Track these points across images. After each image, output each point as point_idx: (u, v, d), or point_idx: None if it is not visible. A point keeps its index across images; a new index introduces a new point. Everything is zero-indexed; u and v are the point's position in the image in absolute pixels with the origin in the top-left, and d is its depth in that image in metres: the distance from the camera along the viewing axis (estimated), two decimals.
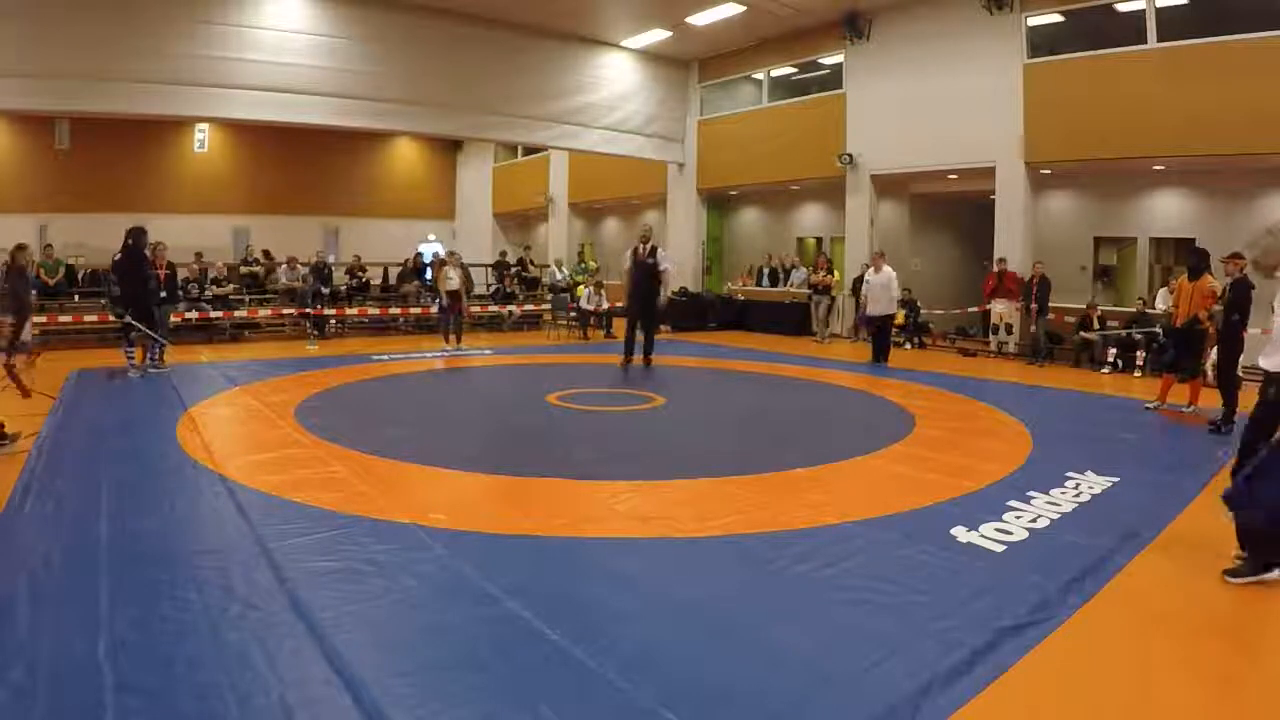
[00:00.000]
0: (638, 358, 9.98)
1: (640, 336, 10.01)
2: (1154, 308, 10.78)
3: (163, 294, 9.57)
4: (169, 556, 3.51)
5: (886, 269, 11.27)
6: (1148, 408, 7.67)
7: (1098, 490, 4.78)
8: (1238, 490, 3.38)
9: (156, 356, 9.31)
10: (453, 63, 14.09)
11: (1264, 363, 3.59)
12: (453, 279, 12.13)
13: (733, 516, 4.21)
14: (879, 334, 11.23)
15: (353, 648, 2.67)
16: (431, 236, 23.34)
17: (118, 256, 9.09)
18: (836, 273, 15.27)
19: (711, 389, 9.50)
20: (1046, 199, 13.68)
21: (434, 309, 15.27)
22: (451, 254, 12.96)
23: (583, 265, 18.71)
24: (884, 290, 11.14)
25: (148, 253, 9.21)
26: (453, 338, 12.12)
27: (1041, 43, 12.24)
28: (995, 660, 2.69)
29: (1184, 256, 7.54)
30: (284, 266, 14.75)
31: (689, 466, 5.30)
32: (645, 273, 9.79)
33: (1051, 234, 13.41)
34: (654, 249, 9.88)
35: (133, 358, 9.17)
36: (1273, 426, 3.37)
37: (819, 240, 17.71)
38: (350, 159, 21.82)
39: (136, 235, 9.11)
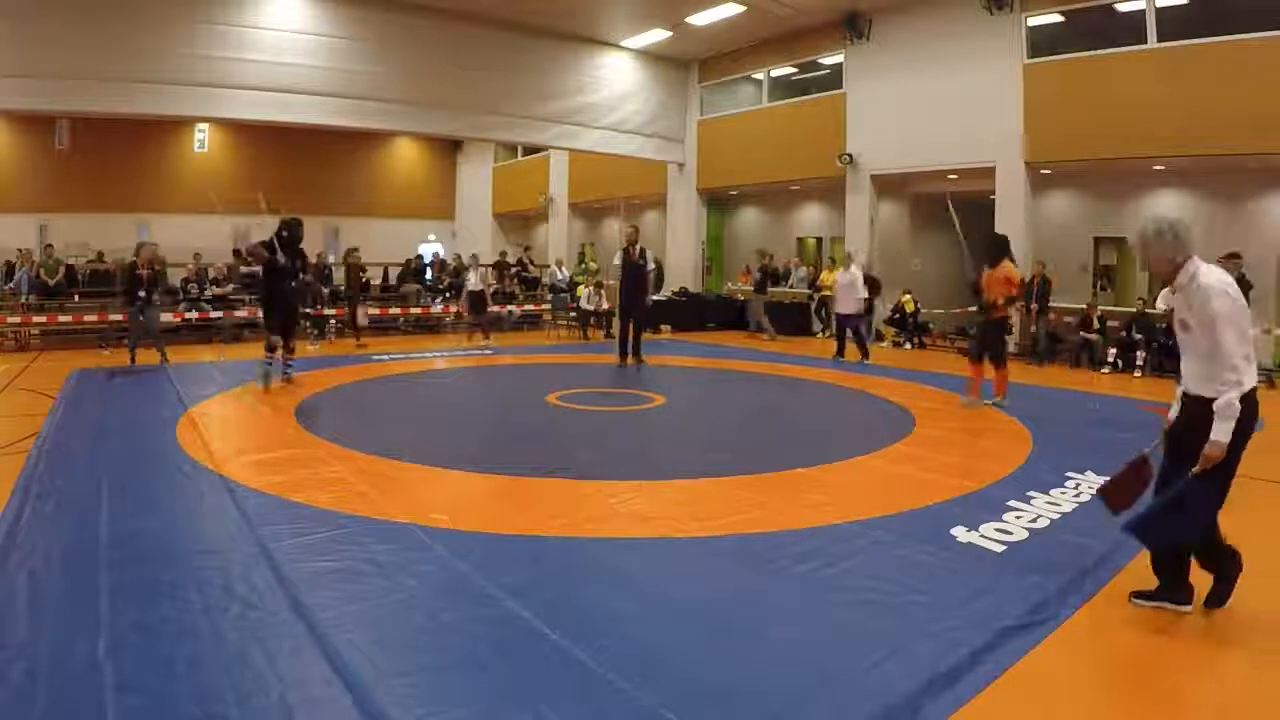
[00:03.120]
0: (630, 357, 10.15)
1: (630, 335, 10.25)
2: (1154, 308, 10.78)
3: (141, 295, 9.57)
4: (169, 556, 3.51)
5: (853, 269, 11.38)
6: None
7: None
8: (1144, 522, 3.05)
9: (289, 368, 8.25)
10: (453, 63, 14.09)
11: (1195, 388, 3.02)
12: (471, 280, 12.46)
13: (733, 516, 4.21)
14: (842, 332, 11.46)
15: (353, 648, 2.67)
16: (431, 236, 23.35)
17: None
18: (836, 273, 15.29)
19: (711, 389, 9.49)
20: (1046, 199, 13.68)
21: (433, 309, 15.39)
22: (473, 256, 13.30)
23: (583, 266, 18.71)
24: (848, 290, 11.27)
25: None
26: (477, 335, 12.30)
27: (1041, 43, 12.24)
28: (995, 660, 2.69)
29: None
30: None
31: (689, 466, 5.30)
32: (635, 273, 9.99)
33: (1051, 234, 13.41)
34: (642, 250, 10.08)
35: (271, 356, 8.04)
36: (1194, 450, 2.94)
37: (819, 240, 17.71)
38: (350, 159, 21.81)
39: (293, 228, 8.00)
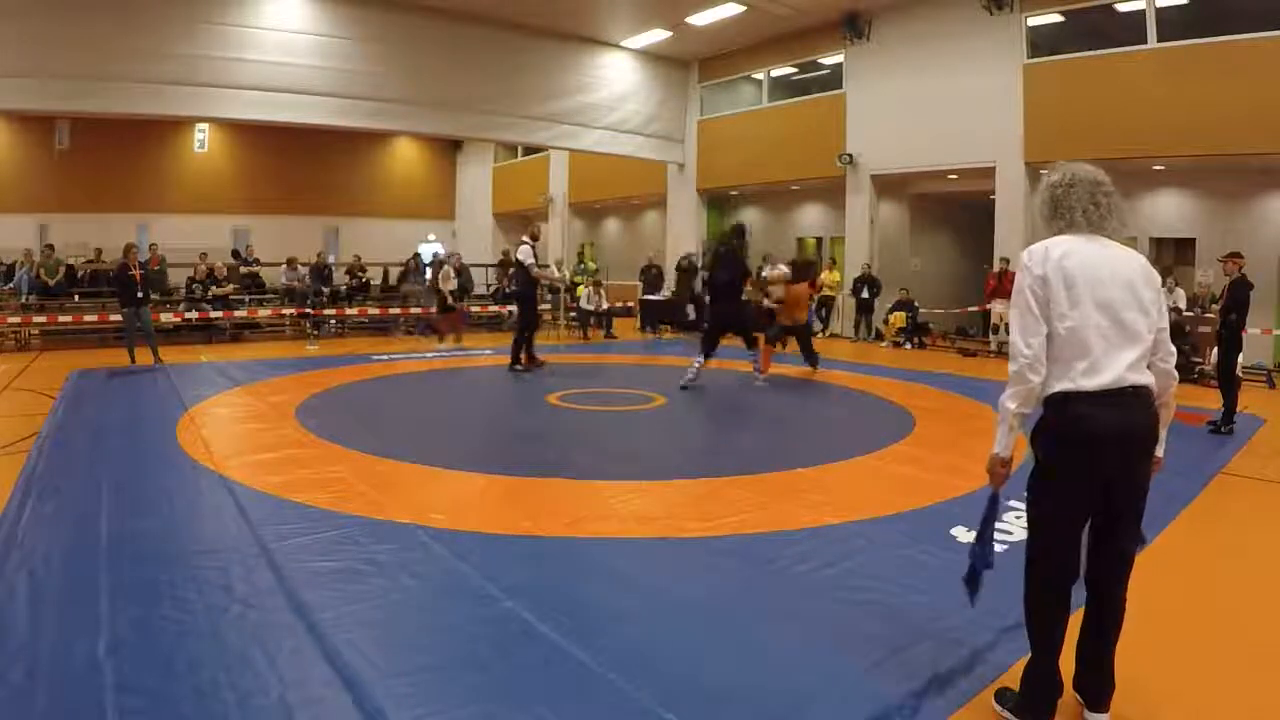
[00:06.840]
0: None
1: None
2: None
3: (139, 294, 9.60)
4: (169, 556, 3.51)
5: None
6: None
7: None
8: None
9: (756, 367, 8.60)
10: (453, 63, 14.09)
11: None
12: (453, 280, 12.49)
13: (733, 516, 4.20)
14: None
15: (353, 648, 2.67)
16: (431, 236, 23.34)
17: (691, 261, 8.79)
18: (836, 273, 15.30)
19: (711, 389, 9.48)
20: None
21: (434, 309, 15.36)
22: (452, 254, 13.30)
23: (583, 266, 18.70)
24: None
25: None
26: (450, 337, 12.31)
27: (1041, 43, 12.24)
28: (995, 660, 2.69)
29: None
30: (284, 266, 14.76)
31: (689, 466, 5.30)
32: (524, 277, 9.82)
33: None
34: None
35: (757, 364, 8.84)
36: None
37: (819, 240, 17.71)
38: (350, 159, 21.80)
39: (737, 239, 7.95)
